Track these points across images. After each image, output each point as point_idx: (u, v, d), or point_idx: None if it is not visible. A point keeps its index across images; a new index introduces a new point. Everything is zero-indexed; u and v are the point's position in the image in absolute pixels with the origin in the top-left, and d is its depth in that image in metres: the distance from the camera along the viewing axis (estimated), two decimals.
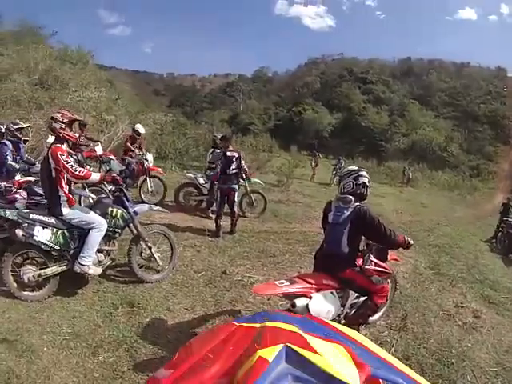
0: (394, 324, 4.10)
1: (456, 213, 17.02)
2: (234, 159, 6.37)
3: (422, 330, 4.09)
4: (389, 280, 3.80)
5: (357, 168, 3.42)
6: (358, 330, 3.36)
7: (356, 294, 3.32)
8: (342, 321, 3.24)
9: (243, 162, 6.79)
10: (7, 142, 5.38)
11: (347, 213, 3.11)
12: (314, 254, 3.56)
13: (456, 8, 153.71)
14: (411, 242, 3.27)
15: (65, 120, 3.80)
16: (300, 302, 2.74)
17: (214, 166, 7.86)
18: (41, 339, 3.14)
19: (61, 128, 3.78)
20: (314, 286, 2.89)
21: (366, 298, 3.28)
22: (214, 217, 7.49)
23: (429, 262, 6.92)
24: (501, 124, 45.46)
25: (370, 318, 3.79)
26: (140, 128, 8.80)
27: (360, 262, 3.26)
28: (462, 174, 36.88)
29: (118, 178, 4.13)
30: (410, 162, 33.51)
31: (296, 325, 1.37)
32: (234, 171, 6.41)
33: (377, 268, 3.44)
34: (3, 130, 5.58)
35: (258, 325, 1.41)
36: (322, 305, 2.87)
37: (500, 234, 11.56)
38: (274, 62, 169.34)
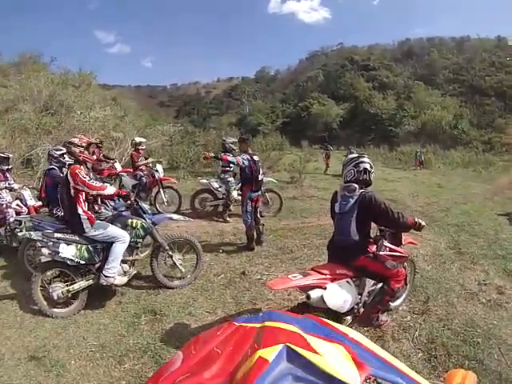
0: (417, 308, 4.08)
1: (472, 190, 16.58)
2: (260, 163, 5.91)
3: (445, 312, 4.06)
4: (406, 264, 3.78)
5: (357, 155, 3.41)
6: (378, 318, 3.41)
7: (373, 282, 3.31)
8: (362, 309, 3.25)
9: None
10: (56, 167, 5.36)
11: (352, 201, 3.11)
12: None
13: None
14: (422, 223, 3.23)
15: (83, 144, 4.05)
16: (315, 294, 2.75)
17: (228, 168, 7.91)
18: (68, 353, 3.25)
19: (80, 152, 4.01)
20: (328, 276, 2.90)
21: (382, 284, 3.27)
22: (229, 220, 7.60)
23: (448, 242, 6.84)
24: (508, 94, 44.69)
25: (392, 304, 3.79)
26: (138, 139, 8.82)
27: (374, 248, 3.26)
28: (475, 149, 36.03)
29: (130, 192, 4.29)
30: (421, 144, 33.01)
31: (296, 325, 1.37)
32: (262, 176, 5.99)
33: (391, 253, 3.42)
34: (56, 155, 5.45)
35: (257, 325, 1.41)
36: (338, 294, 2.88)
37: None
38: (275, 61, 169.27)
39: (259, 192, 5.97)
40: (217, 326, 1.59)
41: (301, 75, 63.59)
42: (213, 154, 6.37)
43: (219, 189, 7.88)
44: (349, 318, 3.12)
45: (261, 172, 5.86)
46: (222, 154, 6.75)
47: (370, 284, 3.29)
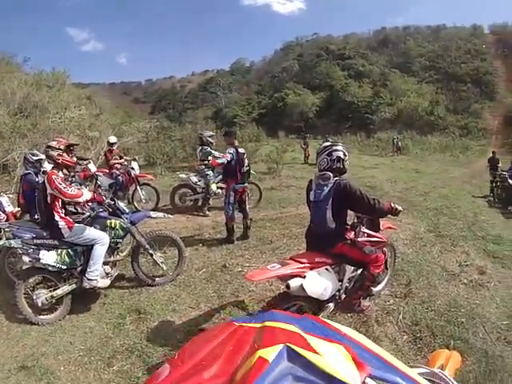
0: (399, 291, 4.14)
1: (450, 174, 16.99)
2: (245, 156, 5.97)
3: (427, 294, 4.13)
4: (386, 249, 3.81)
5: (330, 143, 3.39)
6: (360, 303, 3.44)
7: (353, 268, 3.32)
8: (343, 295, 3.27)
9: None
10: (32, 172, 5.19)
11: (327, 189, 3.10)
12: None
13: None
14: (399, 208, 3.26)
15: (61, 146, 3.89)
16: (294, 283, 2.74)
17: (206, 162, 7.77)
18: (57, 360, 3.17)
19: (58, 155, 3.86)
20: (306, 265, 2.89)
21: (362, 269, 3.30)
22: (208, 213, 7.57)
23: (428, 226, 6.96)
24: (484, 81, 46.02)
25: (374, 289, 3.84)
26: (111, 138, 8.71)
27: (351, 235, 3.27)
28: (452, 134, 36.99)
29: (103, 196, 4.19)
30: (398, 131, 33.60)
31: (296, 325, 1.32)
32: (247, 168, 6.01)
33: (369, 239, 3.45)
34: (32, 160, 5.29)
35: (257, 325, 1.37)
36: (318, 282, 2.88)
37: (495, 188, 11.76)
38: (251, 53, 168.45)
39: (245, 183, 5.97)
40: (216, 326, 1.60)
41: (276, 66, 63.41)
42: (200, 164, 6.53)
43: (198, 183, 7.79)
44: (331, 304, 3.14)
45: (245, 164, 5.88)
46: (211, 157, 6.89)
47: (349, 270, 3.30)
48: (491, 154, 14.79)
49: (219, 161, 5.72)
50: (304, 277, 2.80)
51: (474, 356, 3.06)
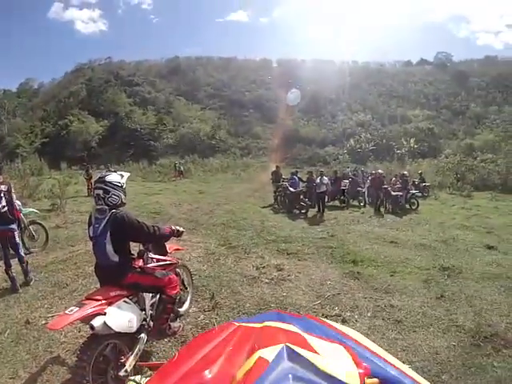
0: (206, 306, 4.34)
1: (233, 190, 18.70)
2: (1, 194, 5.03)
3: (234, 301, 4.45)
4: (178, 270, 3.95)
5: (104, 174, 3.19)
6: (170, 327, 3.42)
7: (151, 294, 3.31)
8: (151, 323, 3.24)
9: (14, 194, 5.48)
10: None
11: (103, 222, 2.99)
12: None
13: (229, 11, 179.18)
14: (180, 229, 3.41)
15: None
16: (97, 322, 2.61)
17: None
18: None
19: None
20: (103, 301, 2.78)
21: (159, 294, 3.31)
22: None
23: (218, 241, 7.44)
24: (266, 106, 52.20)
25: (180, 310, 3.95)
26: None
27: (140, 262, 3.28)
28: (233, 155, 41.08)
29: None
30: (180, 156, 35.80)
31: (296, 325, 1.37)
32: (5, 208, 5.06)
33: (159, 263, 3.51)
34: None
35: (257, 325, 1.38)
36: (120, 316, 2.81)
37: (279, 196, 13.47)
38: (43, 73, 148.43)
39: (7, 226, 5.12)
40: (216, 326, 1.48)
41: (64, 90, 57.31)
42: None
43: None
44: (143, 335, 3.08)
45: (1, 204, 5.01)
46: None
47: (148, 297, 3.27)
48: (275, 168, 16.37)
49: None
50: (105, 313, 2.69)
51: None
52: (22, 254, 5.40)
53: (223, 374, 1.16)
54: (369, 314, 4.29)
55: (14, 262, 5.25)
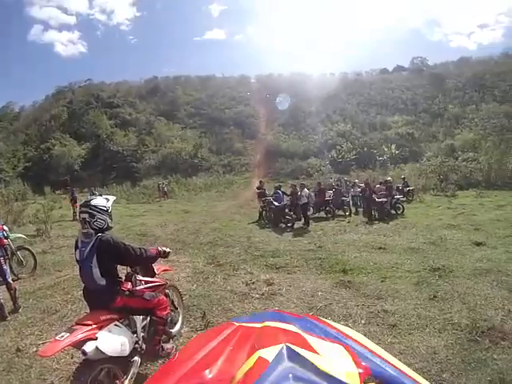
0: (198, 325, 4.30)
1: (218, 208, 18.68)
2: None
3: (226, 318, 4.35)
4: (167, 291, 3.91)
5: (88, 199, 3.22)
6: (163, 348, 3.38)
7: (142, 317, 3.28)
8: (144, 345, 3.19)
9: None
10: None
11: (89, 246, 2.96)
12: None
13: (205, 29, 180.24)
14: (167, 250, 3.45)
15: None
16: (89, 347, 2.57)
17: None
18: None
19: None
20: (94, 326, 2.74)
21: (150, 316, 3.29)
22: None
23: (206, 259, 7.42)
24: (246, 123, 52.12)
25: (172, 331, 3.89)
26: None
27: (129, 285, 3.23)
28: (216, 173, 40.77)
29: None
30: (163, 176, 35.53)
31: (296, 325, 1.36)
32: None
33: (148, 285, 3.48)
34: None
35: (257, 325, 1.38)
36: (112, 340, 2.78)
37: (264, 211, 13.47)
38: (24, 96, 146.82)
39: None
40: (216, 326, 1.46)
41: (46, 113, 56.71)
42: None
43: None
44: (136, 358, 3.05)
45: None
46: None
47: (139, 320, 3.25)
48: (259, 183, 16.57)
49: None
50: (96, 338, 2.65)
51: None
52: (10, 281, 5.36)
53: (223, 374, 1.16)
54: (363, 322, 4.30)
55: (2, 288, 5.18)
